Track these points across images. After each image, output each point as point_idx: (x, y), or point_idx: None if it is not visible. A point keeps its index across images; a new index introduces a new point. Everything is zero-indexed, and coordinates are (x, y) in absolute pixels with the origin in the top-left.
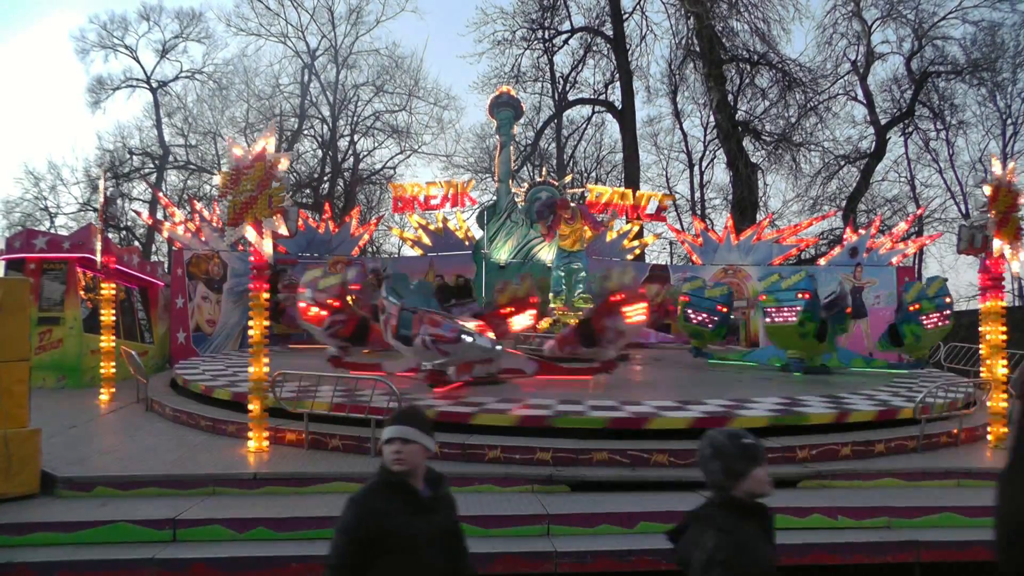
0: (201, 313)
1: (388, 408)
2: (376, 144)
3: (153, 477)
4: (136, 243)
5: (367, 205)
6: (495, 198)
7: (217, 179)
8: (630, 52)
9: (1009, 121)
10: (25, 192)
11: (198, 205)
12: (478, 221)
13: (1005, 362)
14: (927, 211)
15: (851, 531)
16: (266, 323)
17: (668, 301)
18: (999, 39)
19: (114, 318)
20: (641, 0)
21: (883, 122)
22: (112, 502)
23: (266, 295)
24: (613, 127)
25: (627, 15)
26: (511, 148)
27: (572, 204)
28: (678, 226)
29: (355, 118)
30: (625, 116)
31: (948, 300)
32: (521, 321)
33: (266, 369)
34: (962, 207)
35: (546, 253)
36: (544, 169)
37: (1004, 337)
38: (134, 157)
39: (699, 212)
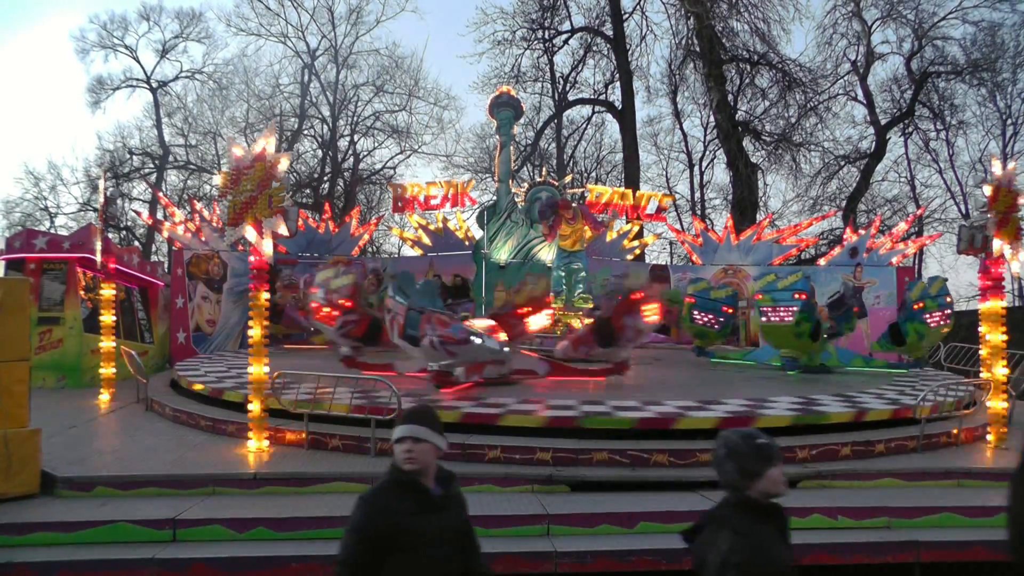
0: (201, 313)
1: (388, 408)
2: (376, 144)
3: (153, 477)
4: (136, 243)
5: (367, 205)
6: (495, 198)
7: (217, 179)
8: (630, 52)
9: (1009, 121)
10: (25, 192)
11: (198, 205)
12: (478, 221)
13: (1004, 361)
14: (927, 211)
15: (851, 531)
16: (266, 322)
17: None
18: (999, 39)
19: (114, 319)
20: (641, 0)
21: (883, 122)
22: (112, 502)
23: (266, 295)
24: (613, 127)
25: (627, 15)
26: (511, 148)
27: (574, 204)
28: (678, 226)
29: (355, 118)
30: (625, 116)
31: (948, 300)
32: (538, 321)
33: (266, 370)
34: (962, 207)
35: (546, 253)
36: (544, 169)
37: (1004, 339)
38: (134, 157)
39: (699, 212)
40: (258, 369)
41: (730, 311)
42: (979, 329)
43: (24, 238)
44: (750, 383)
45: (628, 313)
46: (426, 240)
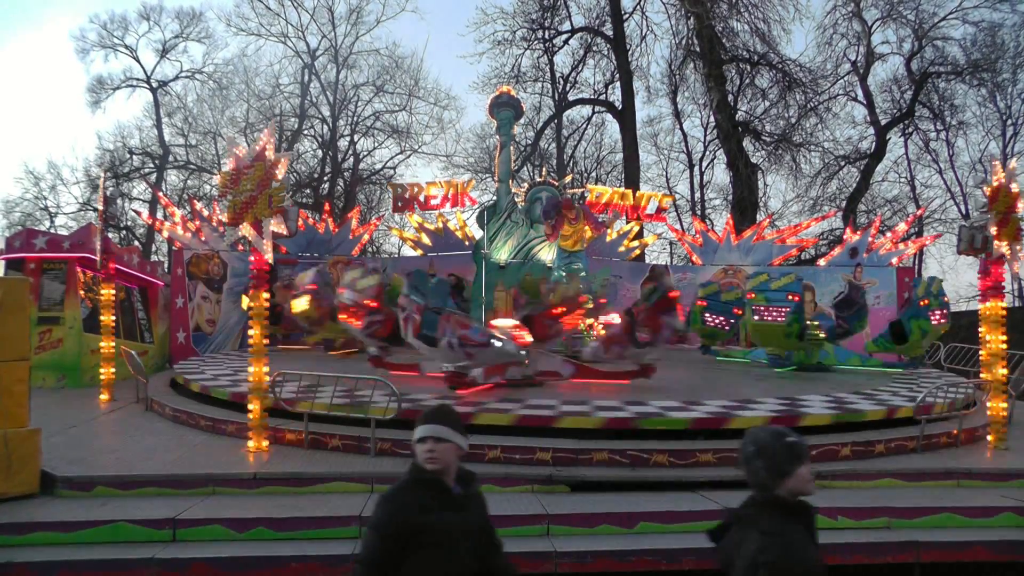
0: (201, 313)
1: (389, 407)
2: (376, 144)
3: (153, 477)
4: (136, 243)
5: (367, 205)
6: (495, 198)
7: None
8: (630, 52)
9: (1009, 122)
10: (25, 192)
11: (198, 205)
12: (478, 221)
13: (1004, 361)
14: (927, 212)
15: (851, 531)
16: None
17: None
18: (999, 40)
19: (114, 321)
20: (641, 0)
21: (883, 122)
22: (112, 502)
23: (266, 295)
24: (613, 127)
25: (627, 15)
26: (511, 148)
27: (576, 205)
28: (678, 226)
29: (355, 118)
30: (625, 116)
31: (946, 299)
32: (571, 321)
33: (266, 372)
34: (962, 208)
35: (546, 253)
36: (544, 169)
37: (1004, 345)
38: (134, 157)
39: (699, 212)
40: (258, 372)
41: (740, 312)
42: (979, 330)
43: (24, 238)
44: (772, 382)
45: (667, 312)
46: (426, 240)
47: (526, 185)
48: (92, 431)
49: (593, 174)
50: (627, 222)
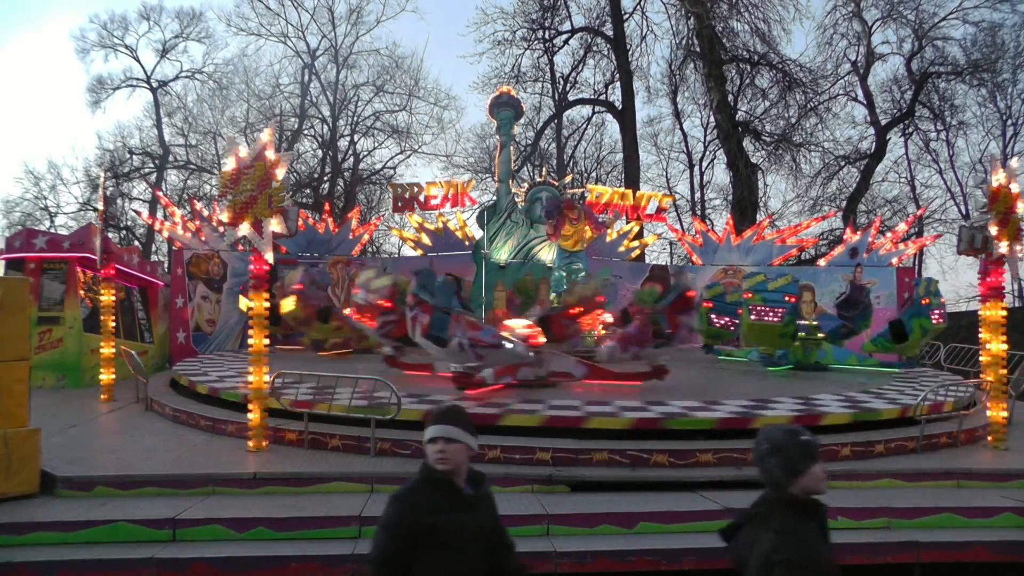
0: (201, 313)
1: (388, 408)
2: (376, 144)
3: (153, 477)
4: (136, 243)
5: (367, 205)
6: (495, 198)
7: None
8: (630, 52)
9: (1009, 122)
10: (25, 192)
11: (198, 205)
12: (478, 221)
13: (1004, 362)
14: (927, 212)
15: (851, 531)
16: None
17: None
18: (999, 40)
19: (114, 322)
20: (641, 0)
21: (883, 122)
22: (112, 502)
23: (266, 295)
24: (613, 127)
25: (627, 15)
26: (511, 148)
27: (577, 205)
28: (678, 226)
29: (355, 118)
30: (625, 116)
31: (942, 300)
32: (589, 321)
33: (266, 377)
34: (962, 208)
35: (546, 253)
36: (544, 169)
37: (1004, 347)
38: (134, 157)
39: (699, 212)
40: (258, 377)
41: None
42: (979, 331)
43: (24, 238)
44: (772, 382)
45: (685, 311)
46: (426, 240)
47: (526, 185)
48: (92, 431)
49: (593, 174)
50: (627, 222)
